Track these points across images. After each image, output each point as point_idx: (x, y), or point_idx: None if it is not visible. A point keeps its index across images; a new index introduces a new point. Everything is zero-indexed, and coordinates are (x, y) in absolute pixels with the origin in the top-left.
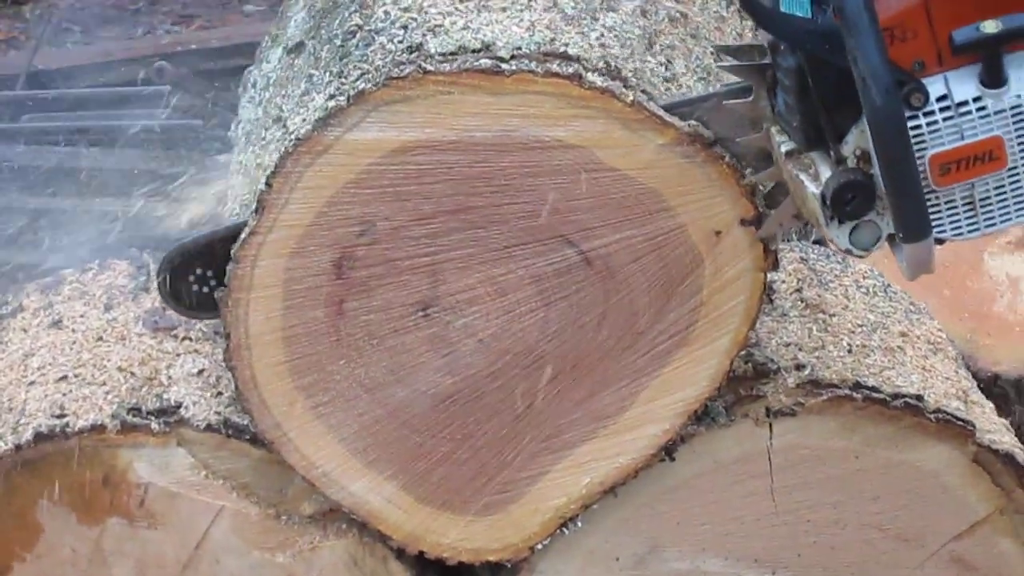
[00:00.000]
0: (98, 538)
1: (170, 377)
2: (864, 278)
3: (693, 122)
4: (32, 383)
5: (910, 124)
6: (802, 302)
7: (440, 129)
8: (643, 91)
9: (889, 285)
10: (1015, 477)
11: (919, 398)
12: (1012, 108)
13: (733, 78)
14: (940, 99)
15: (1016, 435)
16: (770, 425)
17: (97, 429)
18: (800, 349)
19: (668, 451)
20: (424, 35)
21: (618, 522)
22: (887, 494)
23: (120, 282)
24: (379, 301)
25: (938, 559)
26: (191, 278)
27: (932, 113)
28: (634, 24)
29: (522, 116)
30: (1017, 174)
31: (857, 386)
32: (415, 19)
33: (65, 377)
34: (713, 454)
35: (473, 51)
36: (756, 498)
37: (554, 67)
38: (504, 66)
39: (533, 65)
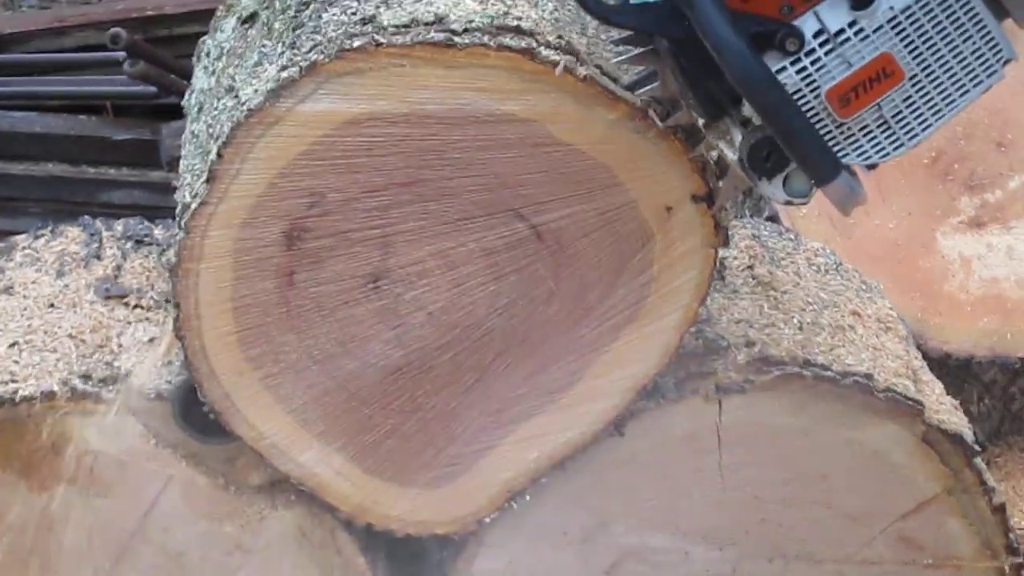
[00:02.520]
0: (47, 505)
1: (121, 345)
2: (816, 256)
3: (645, 97)
4: None
5: (795, 68)
6: (753, 279)
7: (392, 102)
8: (596, 66)
9: (841, 263)
10: (963, 457)
11: (869, 377)
12: (889, 21)
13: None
14: (817, 35)
15: (965, 415)
16: (719, 402)
17: (47, 396)
18: (751, 326)
19: (617, 426)
20: (377, 7)
21: (567, 497)
22: (835, 472)
23: (72, 249)
24: (329, 273)
25: (885, 538)
26: (205, 407)
27: (813, 51)
28: None
29: (475, 90)
30: (919, 81)
31: (807, 364)
32: None
33: (15, 344)
34: (662, 430)
35: (426, 24)
36: (705, 474)
37: (507, 41)
38: (457, 39)
39: (486, 39)
